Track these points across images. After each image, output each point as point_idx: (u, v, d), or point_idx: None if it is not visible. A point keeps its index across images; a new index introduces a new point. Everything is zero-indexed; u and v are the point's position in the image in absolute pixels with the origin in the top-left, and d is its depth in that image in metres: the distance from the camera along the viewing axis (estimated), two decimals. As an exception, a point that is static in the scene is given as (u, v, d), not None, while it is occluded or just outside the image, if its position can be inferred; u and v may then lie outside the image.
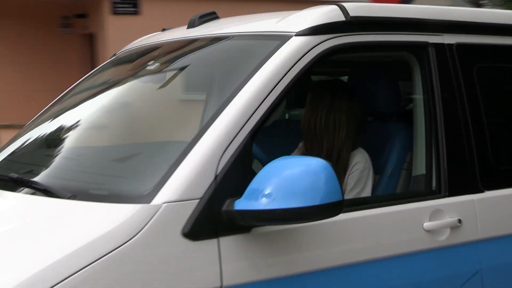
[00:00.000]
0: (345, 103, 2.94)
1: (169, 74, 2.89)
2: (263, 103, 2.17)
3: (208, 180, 2.02)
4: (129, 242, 1.87)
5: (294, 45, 2.34)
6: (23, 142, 2.86)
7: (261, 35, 2.57)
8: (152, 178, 2.05)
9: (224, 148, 2.07)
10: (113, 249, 1.84)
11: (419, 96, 2.71)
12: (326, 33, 2.39)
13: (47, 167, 2.51)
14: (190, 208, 1.97)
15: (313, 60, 2.34)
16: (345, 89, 3.07)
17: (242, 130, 2.11)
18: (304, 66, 2.31)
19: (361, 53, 2.92)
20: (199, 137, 2.10)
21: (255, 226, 2.05)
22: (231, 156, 2.07)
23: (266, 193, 1.95)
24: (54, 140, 2.77)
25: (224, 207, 2.01)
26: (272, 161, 2.05)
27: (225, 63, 2.67)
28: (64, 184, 2.28)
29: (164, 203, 1.95)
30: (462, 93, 2.67)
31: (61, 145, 2.68)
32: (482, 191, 2.64)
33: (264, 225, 2.06)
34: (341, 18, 2.44)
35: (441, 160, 2.58)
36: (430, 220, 2.47)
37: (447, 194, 2.56)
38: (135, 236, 1.88)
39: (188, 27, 3.03)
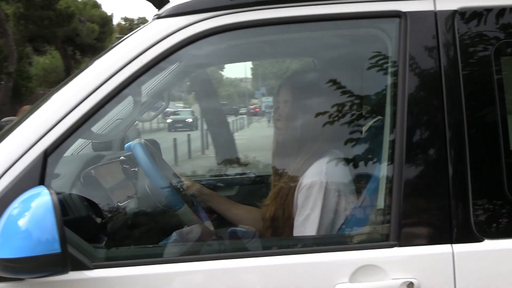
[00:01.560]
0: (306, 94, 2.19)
1: None
2: (75, 109, 1.68)
3: None
4: None
5: (146, 31, 1.79)
6: None
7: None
8: None
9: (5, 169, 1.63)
10: None
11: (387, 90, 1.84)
12: (199, 12, 1.74)
13: None
14: None
15: (173, 48, 1.73)
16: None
17: (36, 145, 1.64)
18: (155, 58, 1.72)
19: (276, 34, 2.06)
20: None
21: None
22: (14, 179, 1.62)
23: None
24: None
25: None
26: None
27: None
28: None
29: None
30: (455, 87, 1.72)
31: None
32: (479, 240, 1.69)
33: None
34: None
35: (395, 187, 1.71)
36: (351, 281, 1.65)
37: (397, 242, 1.69)
38: None
39: None
